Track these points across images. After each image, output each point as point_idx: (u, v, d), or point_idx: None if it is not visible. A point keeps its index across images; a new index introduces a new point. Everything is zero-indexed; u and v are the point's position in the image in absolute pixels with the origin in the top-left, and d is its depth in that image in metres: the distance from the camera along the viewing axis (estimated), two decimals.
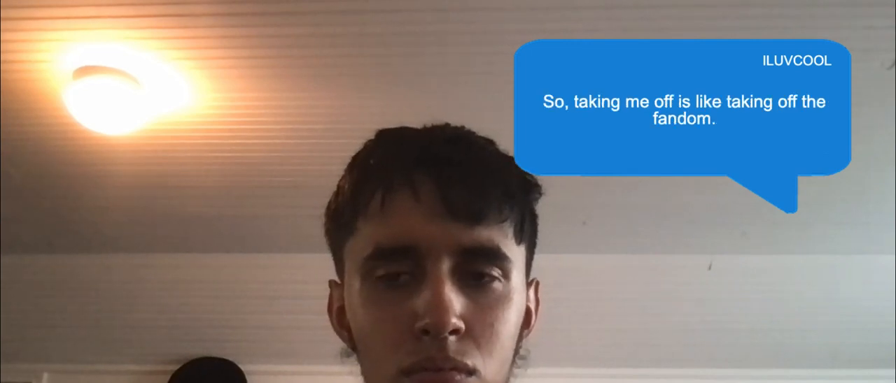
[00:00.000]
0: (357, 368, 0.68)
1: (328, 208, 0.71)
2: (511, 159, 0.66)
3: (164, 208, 2.95)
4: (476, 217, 0.63)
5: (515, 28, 2.03)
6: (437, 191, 0.63)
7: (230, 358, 3.52)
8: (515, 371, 0.68)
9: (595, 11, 1.98)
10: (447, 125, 0.70)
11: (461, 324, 0.61)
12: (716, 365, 3.41)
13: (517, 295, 0.66)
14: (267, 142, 2.54)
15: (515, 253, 0.66)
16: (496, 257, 0.64)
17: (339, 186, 0.70)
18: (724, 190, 2.72)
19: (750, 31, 2.02)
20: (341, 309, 0.70)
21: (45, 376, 3.61)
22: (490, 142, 0.69)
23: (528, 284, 0.71)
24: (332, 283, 0.73)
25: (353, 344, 0.68)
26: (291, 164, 2.63)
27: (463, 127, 0.70)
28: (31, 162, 2.67)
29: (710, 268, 3.14)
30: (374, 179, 0.65)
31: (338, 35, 2.09)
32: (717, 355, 3.40)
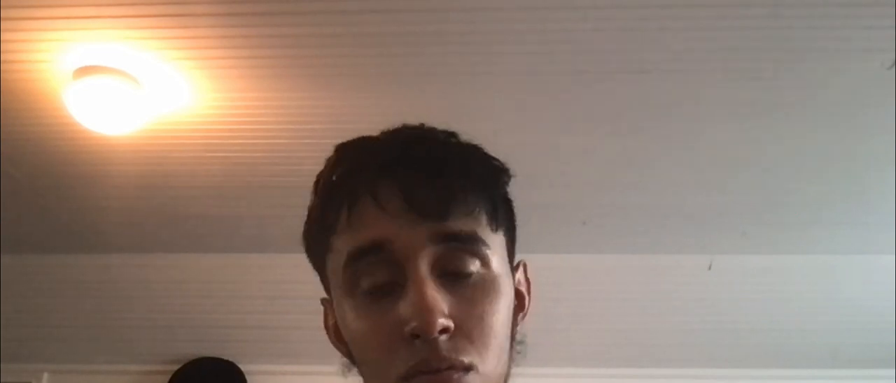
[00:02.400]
0: (360, 381, 0.68)
1: (303, 231, 0.71)
2: (476, 148, 0.66)
3: (164, 208, 2.95)
4: (443, 213, 0.62)
5: (515, 28, 2.03)
6: (400, 195, 0.63)
7: (230, 358, 3.52)
8: (516, 356, 0.68)
9: (595, 11, 1.97)
10: (404, 126, 0.69)
11: (450, 323, 0.61)
12: (716, 365, 3.41)
13: (503, 283, 0.65)
14: (267, 142, 2.54)
15: (492, 240, 0.65)
16: (473, 242, 0.63)
17: (309, 210, 0.70)
18: (724, 190, 2.73)
19: (751, 31, 2.02)
20: (337, 326, 0.70)
21: (45, 376, 3.61)
22: (451, 135, 0.68)
23: (515, 268, 0.71)
24: (324, 302, 0.73)
25: (353, 359, 0.68)
26: (291, 164, 2.63)
27: (422, 125, 0.69)
28: (31, 162, 2.67)
29: (710, 268, 3.14)
30: (337, 196, 0.65)
31: (338, 35, 2.09)
32: (717, 355, 3.40)
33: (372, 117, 2.23)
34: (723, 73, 2.18)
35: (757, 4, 1.94)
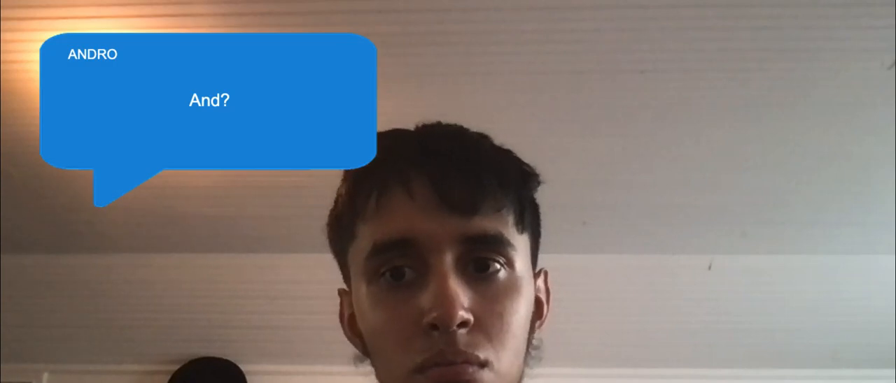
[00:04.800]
0: (372, 374, 0.68)
1: (329, 218, 0.71)
2: (507, 151, 0.67)
3: (164, 208, 2.95)
4: (472, 208, 0.63)
5: (515, 28, 2.03)
6: (431, 186, 0.63)
7: (230, 358, 3.52)
8: (530, 361, 0.68)
9: (595, 11, 1.98)
10: (439, 123, 0.70)
11: (469, 316, 0.61)
12: (716, 365, 3.41)
13: (524, 285, 0.66)
14: None
15: (518, 241, 0.66)
16: (499, 243, 0.64)
17: (337, 194, 0.70)
18: (724, 190, 2.73)
19: (751, 31, 2.02)
20: (352, 317, 0.70)
21: (45, 376, 3.61)
22: (484, 137, 0.69)
23: (537, 275, 0.71)
24: (341, 292, 0.73)
25: (367, 350, 0.68)
26: None
27: (456, 124, 0.70)
28: (31, 162, 2.67)
29: (710, 268, 3.13)
30: (368, 182, 0.65)
31: None
32: (717, 355, 3.40)
33: None
34: (723, 73, 2.18)
35: (757, 4, 1.94)
